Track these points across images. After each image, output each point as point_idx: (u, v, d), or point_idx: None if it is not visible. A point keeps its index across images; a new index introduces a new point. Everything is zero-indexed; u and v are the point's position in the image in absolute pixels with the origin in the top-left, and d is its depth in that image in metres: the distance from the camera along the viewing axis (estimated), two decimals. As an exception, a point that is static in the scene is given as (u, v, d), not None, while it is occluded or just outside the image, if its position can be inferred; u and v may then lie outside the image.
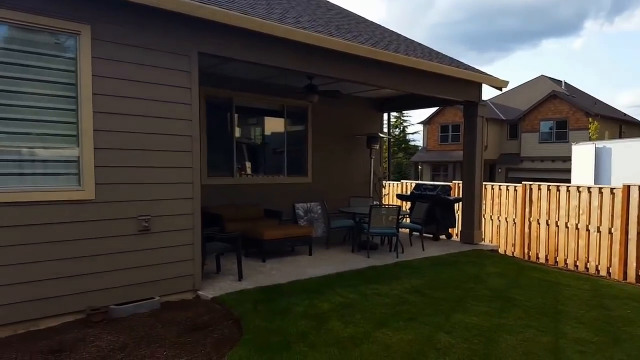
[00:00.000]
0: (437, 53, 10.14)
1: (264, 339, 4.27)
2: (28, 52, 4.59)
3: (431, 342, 4.34)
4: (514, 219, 10.67)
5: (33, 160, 4.68)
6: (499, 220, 11.02)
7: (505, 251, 10.68)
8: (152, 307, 5.13)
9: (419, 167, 39.80)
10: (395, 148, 44.76)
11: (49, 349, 4.06)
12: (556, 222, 9.77)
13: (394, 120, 45.43)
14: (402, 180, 14.03)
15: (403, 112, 45.14)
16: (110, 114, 5.02)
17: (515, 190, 10.65)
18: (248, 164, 9.58)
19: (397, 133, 46.01)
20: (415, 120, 59.14)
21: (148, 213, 5.28)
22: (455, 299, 5.75)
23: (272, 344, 4.17)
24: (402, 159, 44.71)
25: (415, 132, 53.25)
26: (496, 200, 11.13)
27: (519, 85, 38.22)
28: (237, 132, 9.28)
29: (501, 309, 5.42)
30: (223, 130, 9.00)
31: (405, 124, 46.68)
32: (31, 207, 4.52)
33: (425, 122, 38.45)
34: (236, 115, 9.17)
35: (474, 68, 9.81)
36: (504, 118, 35.43)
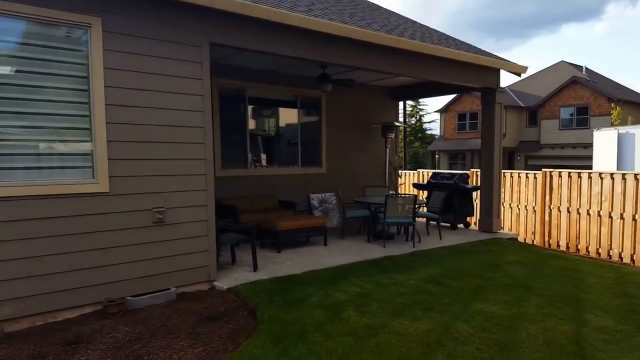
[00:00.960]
0: (454, 39, 9.94)
1: (279, 329, 4.24)
2: (39, 45, 4.60)
3: (449, 332, 4.26)
4: (533, 207, 10.47)
5: (47, 154, 4.70)
6: (518, 208, 10.83)
7: (524, 239, 10.50)
8: (168, 298, 5.15)
9: (436, 156, 39.41)
10: (412, 137, 44.38)
11: (66, 340, 4.09)
12: (577, 210, 9.56)
13: (410, 109, 45.00)
14: (418, 170, 13.87)
15: (419, 100, 44.71)
16: (123, 106, 5.01)
17: (535, 177, 10.44)
18: (262, 155, 9.55)
19: (413, 122, 45.57)
20: (431, 108, 58.63)
21: (162, 205, 5.28)
22: (473, 288, 5.65)
23: (287, 334, 4.13)
24: (418, 148, 44.31)
25: (432, 121, 52.63)
26: (515, 188, 10.93)
27: (538, 72, 37.41)
28: (251, 123, 9.24)
29: (521, 298, 5.30)
30: (236, 122, 8.97)
31: (421, 112, 46.20)
32: (46, 200, 4.55)
33: (442, 111, 37.99)
34: (249, 106, 9.14)
35: (492, 54, 9.61)
36: (522, 105, 34.81)
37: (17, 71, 4.50)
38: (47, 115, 4.65)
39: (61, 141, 4.77)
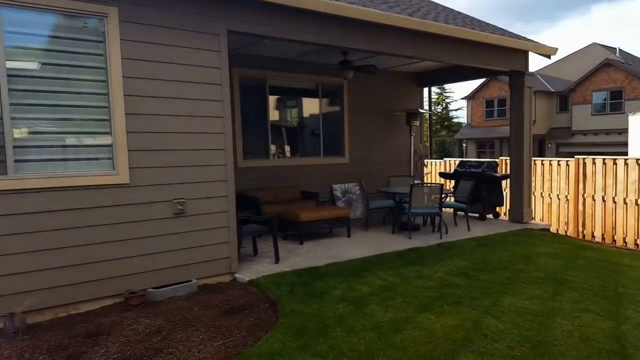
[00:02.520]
0: (479, 21, 9.59)
1: (300, 323, 4.11)
2: (57, 37, 4.57)
3: (478, 328, 4.06)
4: (566, 196, 10.08)
5: (67, 146, 4.68)
6: (550, 198, 10.45)
7: (557, 230, 10.13)
8: (189, 290, 5.09)
9: (463, 144, 38.64)
10: (438, 126, 43.65)
11: (87, 332, 4.06)
12: (613, 198, 9.15)
13: (436, 96, 44.23)
14: (445, 158, 13.55)
15: (445, 87, 43.88)
16: (141, 96, 4.95)
17: (568, 165, 10.04)
18: (284, 146, 9.42)
19: (439, 110, 44.78)
20: (458, 96, 57.34)
21: (182, 196, 5.21)
22: (504, 281, 5.41)
23: (308, 328, 4.01)
24: (445, 136, 43.55)
25: (458, 109, 51.77)
26: (546, 176, 10.54)
27: (568, 55, 36.14)
28: (272, 113, 9.11)
29: (555, 292, 5.05)
30: (257, 112, 8.85)
31: (447, 100, 45.32)
32: (67, 192, 4.53)
33: (469, 97, 37.15)
34: (270, 96, 9.00)
35: (520, 35, 9.23)
36: (552, 90, 33.72)
37: (36, 63, 4.48)
38: (66, 107, 4.62)
39: (81, 133, 4.75)
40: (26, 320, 4.12)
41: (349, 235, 7.70)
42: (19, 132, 4.37)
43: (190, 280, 5.16)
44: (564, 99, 33.62)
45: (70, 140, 4.68)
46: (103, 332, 4.06)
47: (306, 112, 9.83)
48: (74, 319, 4.41)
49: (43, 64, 4.52)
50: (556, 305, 4.66)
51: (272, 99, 9.09)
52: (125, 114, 4.86)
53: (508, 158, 10.02)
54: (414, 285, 5.15)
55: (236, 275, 5.55)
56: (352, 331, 3.95)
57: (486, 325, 4.11)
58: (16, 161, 4.33)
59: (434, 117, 42.59)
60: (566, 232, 10.03)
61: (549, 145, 34.14)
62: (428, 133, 13.71)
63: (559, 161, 10.34)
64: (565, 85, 33.08)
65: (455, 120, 45.39)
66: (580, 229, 9.80)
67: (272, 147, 9.03)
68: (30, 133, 4.47)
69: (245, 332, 4.01)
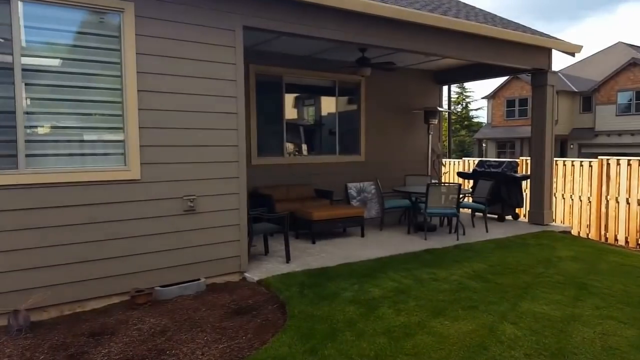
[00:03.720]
0: (501, 18, 9.35)
1: (309, 325, 3.99)
2: (72, 31, 4.52)
3: (494, 334, 3.88)
4: (588, 198, 9.77)
5: (79, 141, 4.62)
6: (572, 199, 10.14)
7: (578, 232, 9.82)
8: (198, 289, 5.00)
9: (483, 144, 38.06)
10: (458, 125, 43.09)
11: (91, 331, 4.00)
12: (638, 201, 8.81)
13: (456, 96, 43.68)
14: (463, 158, 13.29)
15: (465, 87, 43.30)
16: (154, 92, 4.89)
17: (591, 166, 9.72)
18: (299, 143, 9.30)
19: (459, 109, 44.20)
20: (478, 95, 56.45)
21: (193, 193, 5.13)
22: (522, 285, 5.20)
23: (317, 331, 3.88)
24: (464, 136, 42.96)
25: (478, 108, 51.06)
26: (568, 177, 10.23)
27: (592, 55, 35.30)
28: (288, 110, 8.99)
29: (576, 297, 4.83)
30: (273, 109, 8.74)
31: (467, 99, 44.71)
32: (76, 187, 4.47)
33: (490, 97, 36.57)
34: (286, 93, 8.88)
35: (543, 33, 8.94)
36: (575, 90, 32.97)
37: (51, 58, 4.44)
38: (80, 102, 4.58)
39: (93, 128, 4.71)
40: (30, 317, 4.07)
41: (362, 235, 7.54)
42: (31, 127, 4.32)
43: (199, 279, 5.07)
44: (587, 99, 32.83)
45: (83, 135, 4.63)
46: (107, 332, 3.99)
47: (322, 110, 9.68)
48: (80, 317, 4.35)
49: (58, 58, 4.47)
50: (577, 311, 4.45)
51: (288, 96, 8.97)
52: (139, 109, 4.80)
53: (528, 158, 9.75)
54: (428, 288, 4.98)
55: (246, 274, 5.44)
56: (362, 335, 3.81)
57: (503, 332, 3.93)
58: (27, 156, 4.28)
59: (454, 117, 42.10)
60: (588, 234, 9.72)
61: (571, 146, 33.39)
62: (447, 132, 13.43)
63: (581, 162, 10.02)
64: (589, 85, 32.31)
65: (475, 119, 44.77)
66: (603, 231, 9.48)
67: (287, 145, 8.91)
68: (42, 128, 4.43)
69: (251, 335, 3.90)
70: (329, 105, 9.59)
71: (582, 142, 32.72)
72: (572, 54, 9.10)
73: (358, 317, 4.18)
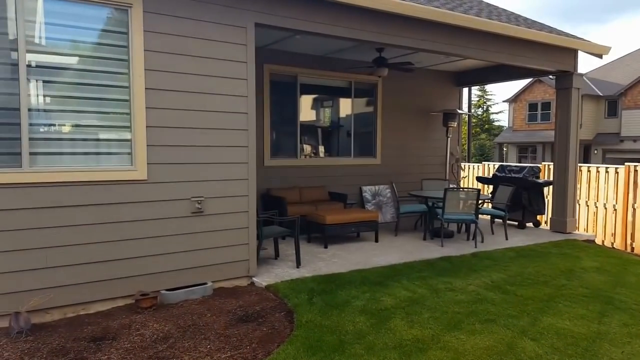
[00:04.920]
0: (525, 18, 9.03)
1: (316, 336, 3.80)
2: (78, 27, 4.41)
3: (513, 351, 3.64)
4: (614, 206, 9.38)
5: (84, 139, 4.51)
6: (596, 207, 9.76)
7: (602, 242, 9.44)
8: (204, 293, 4.86)
9: (504, 148, 37.37)
10: (478, 129, 42.42)
11: (92, 336, 3.87)
12: (668, 210, 8.42)
13: (477, 99, 43.01)
14: (483, 162, 12.95)
15: (486, 90, 42.61)
16: (163, 90, 4.77)
17: (617, 172, 9.34)
18: (313, 144, 9.12)
19: (480, 113, 43.52)
20: (499, 98, 55.48)
21: (201, 194, 4.99)
22: (543, 298, 4.94)
23: (324, 343, 3.69)
24: (485, 140, 42.25)
25: (499, 112, 50.13)
26: (592, 184, 9.85)
27: (618, 58, 34.41)
28: (302, 111, 8.82)
29: (601, 313, 4.55)
30: (287, 109, 8.59)
31: (488, 103, 43.98)
32: (81, 187, 4.36)
33: (511, 100, 35.88)
34: (301, 93, 8.71)
35: (569, 33, 8.62)
36: (600, 94, 32.11)
37: (56, 54, 4.34)
38: (85, 100, 4.47)
39: (99, 127, 4.59)
40: (30, 320, 3.96)
41: (376, 240, 7.33)
42: (35, 125, 4.22)
43: (206, 283, 4.93)
44: (612, 104, 31.95)
45: (88, 133, 4.52)
46: (109, 337, 3.86)
47: (338, 111, 9.49)
48: (82, 319, 4.24)
49: (64, 55, 4.37)
50: (603, 328, 4.18)
51: (302, 97, 8.80)
52: (146, 107, 4.68)
53: (551, 163, 9.42)
54: (444, 299, 4.75)
55: (254, 279, 5.28)
56: (371, 349, 3.61)
57: (523, 349, 3.69)
58: (31, 154, 4.19)
59: (474, 120, 41.47)
60: (613, 244, 9.34)
61: (595, 152, 32.53)
62: (467, 135, 13.11)
63: (606, 168, 9.64)
64: (615, 89, 31.44)
65: (496, 123, 44.02)
66: (629, 241, 9.09)
67: (301, 146, 8.74)
68: (47, 126, 4.33)
69: (256, 344, 3.73)
70: (344, 106, 9.39)
71: (607, 148, 31.85)
72: (600, 56, 8.74)
73: (368, 328, 3.97)
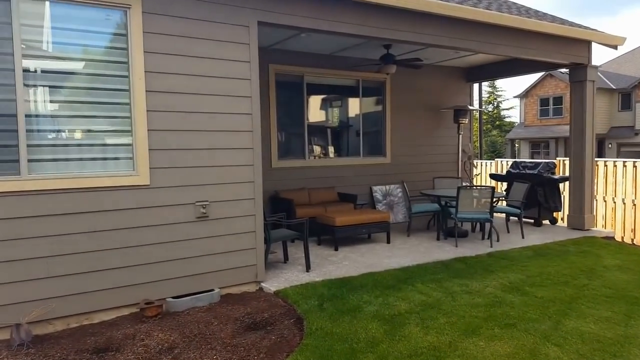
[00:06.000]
0: (536, 11, 8.79)
1: (327, 345, 3.62)
2: (76, 29, 4.28)
3: (536, 358, 3.44)
4: (633, 201, 9.07)
5: (84, 145, 4.37)
6: (614, 202, 9.44)
7: (622, 238, 9.13)
8: (211, 300, 4.70)
9: (516, 145, 36.90)
10: (489, 125, 41.95)
11: (95, 347, 3.73)
12: (691, 204, 8.11)
13: (487, 95, 42.57)
14: (496, 159, 12.69)
15: (496, 86, 42.15)
16: (164, 92, 4.62)
17: (635, 166, 9.03)
18: (321, 145, 8.95)
19: (490, 109, 43.04)
20: (509, 94, 54.82)
21: (206, 199, 4.84)
22: (565, 299, 4.71)
23: (336, 352, 3.51)
24: (496, 136, 41.76)
25: (510, 108, 49.60)
26: (610, 178, 9.54)
27: (631, 50, 33.79)
28: (309, 111, 8.65)
29: (628, 314, 4.32)
30: (294, 109, 8.42)
31: (499, 99, 43.49)
32: (82, 194, 4.23)
33: (522, 96, 35.40)
34: (308, 93, 8.53)
35: (582, 25, 8.36)
36: (614, 87, 31.54)
37: (53, 58, 4.21)
38: (84, 104, 4.35)
39: (99, 131, 4.45)
40: (32, 332, 3.84)
41: (388, 242, 7.13)
42: (33, 131, 4.09)
43: (213, 290, 4.78)
44: (626, 96, 31.37)
45: (88, 139, 4.38)
46: (112, 348, 3.72)
47: (346, 110, 9.31)
48: (86, 330, 4.10)
49: (62, 58, 4.24)
50: (630, 331, 3.95)
51: (309, 96, 8.63)
52: (147, 110, 4.54)
53: (566, 159, 9.16)
54: (460, 303, 4.55)
55: (262, 284, 5.12)
56: (385, 358, 3.42)
57: (546, 355, 3.49)
58: (30, 161, 4.06)
59: (485, 116, 41.02)
60: (633, 240, 9.02)
61: (609, 146, 31.97)
62: (478, 132, 12.85)
63: (624, 162, 9.33)
64: (629, 82, 30.87)
65: (507, 119, 43.51)
66: (651, 237, 8.78)
67: (309, 146, 8.57)
68: (45, 132, 4.19)
69: (264, 354, 3.56)
70: (352, 104, 9.20)
71: (621, 142, 31.28)
72: (615, 47, 8.46)
73: (382, 335, 3.79)
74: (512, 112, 52.57)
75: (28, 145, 4.05)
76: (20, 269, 3.99)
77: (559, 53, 7.80)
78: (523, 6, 9.07)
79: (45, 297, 4.07)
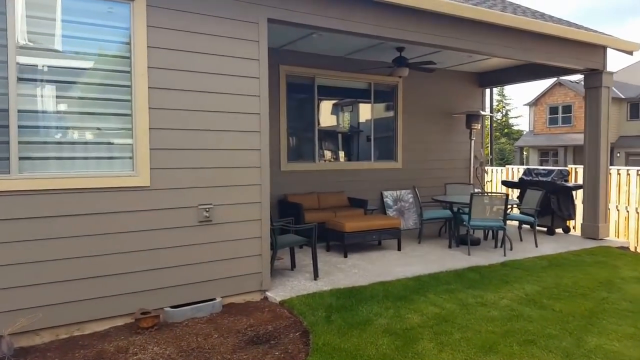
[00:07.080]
0: (550, 16, 8.60)
1: (335, 361, 3.39)
2: (76, 22, 4.09)
3: (560, 379, 3.20)
4: (648, 210, 8.79)
5: (80, 143, 4.18)
6: (627, 211, 9.16)
7: (635, 248, 8.84)
8: (212, 310, 4.48)
9: (524, 152, 36.56)
10: (498, 133, 41.65)
11: (87, 360, 3.51)
12: None
13: (496, 103, 42.29)
14: (507, 165, 12.43)
15: (505, 94, 41.90)
16: (167, 89, 4.42)
17: (648, 175, 8.75)
18: (331, 148, 8.74)
19: (499, 117, 42.75)
20: (517, 102, 54.52)
21: (209, 202, 4.62)
22: (584, 313, 4.46)
23: (345, 369, 3.28)
24: (504, 144, 41.44)
25: (518, 116, 49.27)
26: (623, 187, 9.27)
27: (638, 60, 33.45)
28: (320, 114, 8.45)
29: (654, 332, 4.06)
30: (304, 112, 8.23)
31: (507, 107, 43.19)
32: (76, 195, 4.00)
33: (531, 104, 35.08)
34: (319, 95, 8.33)
35: (597, 30, 8.16)
36: (622, 96, 31.20)
37: (50, 51, 4.02)
38: (81, 100, 4.14)
39: (97, 129, 4.24)
40: (13, 344, 3.57)
41: (399, 249, 6.90)
42: (26, 127, 3.87)
43: (214, 299, 4.55)
44: (635, 106, 31.08)
45: (84, 136, 4.19)
46: (105, 361, 3.50)
47: (357, 113, 9.10)
48: (76, 341, 3.85)
49: (59, 52, 4.05)
50: (659, 350, 3.69)
51: (320, 98, 8.43)
52: (149, 108, 4.33)
53: (579, 167, 8.93)
54: (475, 316, 4.30)
55: (267, 293, 4.89)
56: (398, 376, 3.19)
57: (571, 377, 3.24)
58: (21, 159, 3.83)
59: (494, 124, 40.72)
60: (648, 251, 8.74)
61: (618, 155, 31.60)
62: (489, 138, 12.62)
63: (638, 171, 9.07)
64: (637, 92, 30.55)
65: (515, 127, 43.20)
66: (667, 248, 8.49)
67: (320, 150, 8.36)
68: (38, 128, 3.97)
69: (267, 370, 3.34)
70: (363, 107, 9.00)
71: (630, 151, 30.91)
72: (630, 53, 8.28)
73: (393, 352, 3.55)
74: (520, 120, 52.19)
75: (19, 143, 3.82)
76: (5, 275, 3.74)
77: (574, 58, 7.60)
78: (537, 11, 8.86)
79: (32, 306, 3.80)
